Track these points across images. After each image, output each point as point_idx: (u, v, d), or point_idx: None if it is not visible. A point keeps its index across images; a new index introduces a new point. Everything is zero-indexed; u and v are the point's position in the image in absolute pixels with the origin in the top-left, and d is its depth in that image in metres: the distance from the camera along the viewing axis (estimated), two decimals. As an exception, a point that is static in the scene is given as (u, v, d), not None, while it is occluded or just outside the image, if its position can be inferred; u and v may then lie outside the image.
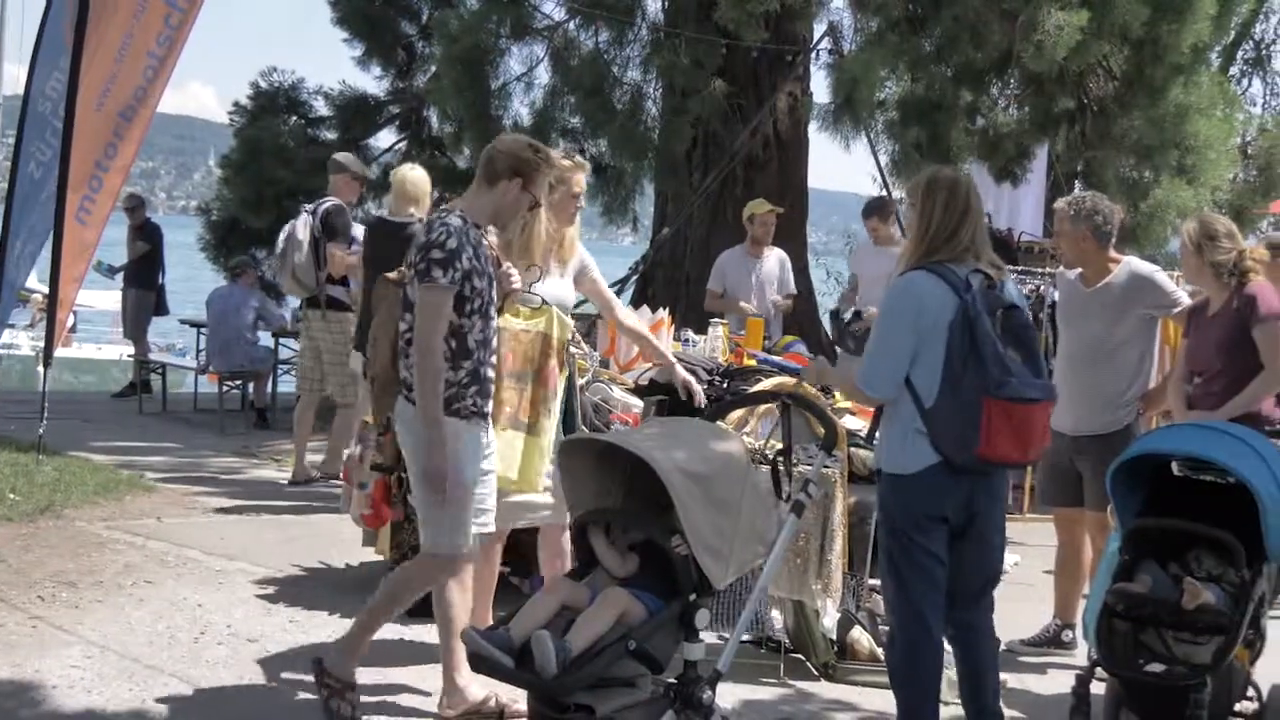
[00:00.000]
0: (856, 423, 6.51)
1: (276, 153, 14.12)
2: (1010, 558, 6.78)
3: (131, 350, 15.48)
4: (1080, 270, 6.46)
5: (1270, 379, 5.88)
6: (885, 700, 5.59)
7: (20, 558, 7.22)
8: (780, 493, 4.46)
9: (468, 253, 4.79)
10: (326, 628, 6.36)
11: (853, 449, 6.25)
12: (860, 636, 6.13)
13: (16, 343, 20.20)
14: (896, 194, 14.48)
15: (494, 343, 4.98)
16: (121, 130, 10.24)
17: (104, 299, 20.72)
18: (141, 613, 6.43)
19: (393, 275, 5.17)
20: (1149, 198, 11.06)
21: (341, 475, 7.26)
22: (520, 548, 6.06)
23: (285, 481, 9.95)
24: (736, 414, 6.14)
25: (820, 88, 13.17)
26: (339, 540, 7.80)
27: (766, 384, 6.45)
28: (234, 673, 5.68)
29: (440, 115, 14.43)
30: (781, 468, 4.57)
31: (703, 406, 5.93)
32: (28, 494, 8.56)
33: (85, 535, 7.84)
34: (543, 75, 12.68)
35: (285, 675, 5.69)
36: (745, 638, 6.03)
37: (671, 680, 4.09)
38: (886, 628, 6.28)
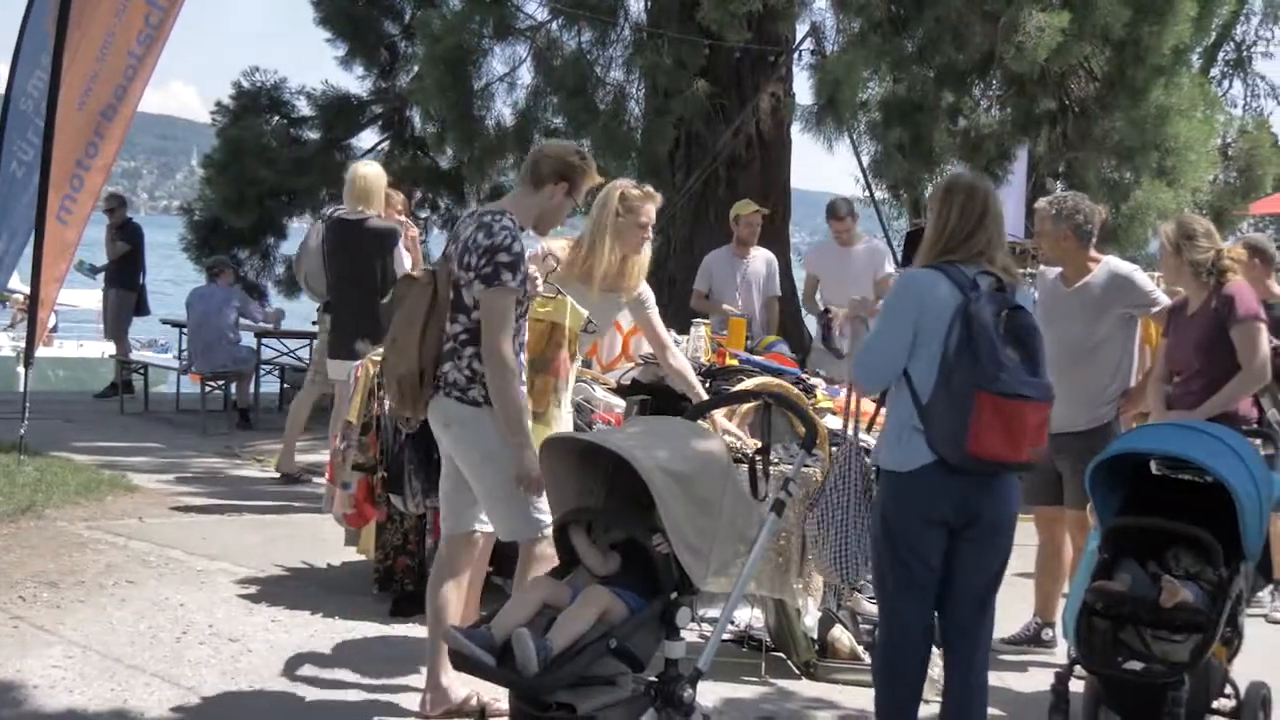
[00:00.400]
0: (837, 422, 6.52)
1: (259, 153, 14.11)
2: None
3: (113, 349, 15.43)
4: (1060, 270, 6.50)
5: (1248, 379, 5.91)
6: (866, 699, 5.60)
7: (1, 558, 7.21)
8: (757, 492, 4.47)
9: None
10: (309, 627, 6.36)
11: (834, 448, 6.26)
12: (841, 635, 6.15)
13: (-2, 343, 20.15)
14: (879, 195, 14.55)
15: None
16: (102, 129, 10.21)
17: (86, 298, 20.65)
18: (123, 613, 6.42)
19: (418, 274, 5.12)
20: (1130, 199, 11.12)
21: (326, 475, 7.26)
22: (502, 545, 6.05)
23: (270, 478, 9.94)
24: (719, 413, 6.14)
25: (803, 88, 13.22)
26: (321, 540, 7.79)
27: (748, 384, 6.46)
28: (216, 672, 5.67)
29: (423, 115, 14.43)
30: (759, 467, 4.58)
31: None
32: (9, 494, 8.53)
33: (67, 535, 7.82)
34: (525, 75, 12.71)
35: (267, 675, 5.69)
36: (726, 636, 6.05)
37: (653, 678, 4.09)
38: (868, 626, 6.33)
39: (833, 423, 6.47)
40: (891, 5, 11.06)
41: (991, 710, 4.74)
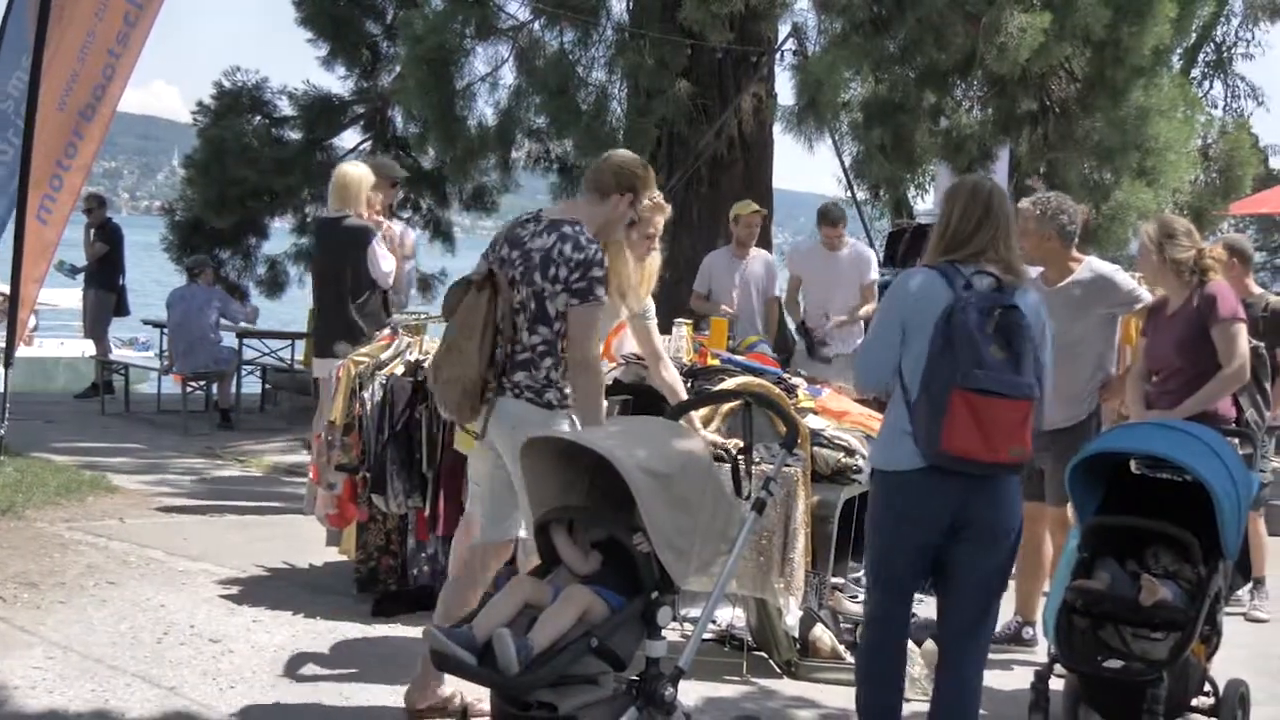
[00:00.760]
0: (819, 422, 6.54)
1: (240, 153, 14.08)
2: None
3: (93, 349, 15.38)
4: (1041, 269, 6.51)
5: (1228, 379, 5.94)
6: (847, 697, 5.62)
7: (-19, 559, 7.19)
8: (740, 491, 4.48)
9: None
10: (290, 628, 6.36)
11: (815, 448, 6.28)
12: (822, 634, 6.17)
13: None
14: (860, 195, 14.59)
15: None
16: (82, 129, 10.18)
17: (67, 298, 20.57)
18: (104, 613, 6.40)
19: (476, 279, 5.02)
20: (1110, 199, 11.14)
21: (310, 475, 7.25)
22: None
23: (252, 478, 9.92)
24: (701, 412, 6.15)
25: (785, 89, 13.22)
26: (302, 540, 7.78)
27: (730, 383, 6.47)
28: (197, 673, 5.66)
29: (405, 115, 14.45)
30: (742, 466, 4.59)
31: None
32: (-11, 495, 8.51)
33: (47, 536, 7.79)
34: (508, 75, 12.69)
35: (249, 675, 5.68)
36: (707, 636, 6.06)
37: (634, 677, 4.10)
38: (849, 626, 6.35)
39: (814, 422, 6.49)
40: (873, 6, 11.07)
41: (972, 709, 4.76)
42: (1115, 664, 4.90)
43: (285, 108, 15.04)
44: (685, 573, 4.11)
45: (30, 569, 7.06)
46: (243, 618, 6.49)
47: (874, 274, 10.08)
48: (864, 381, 4.82)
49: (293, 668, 5.80)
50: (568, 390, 4.95)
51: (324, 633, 6.31)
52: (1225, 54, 20.46)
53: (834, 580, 6.58)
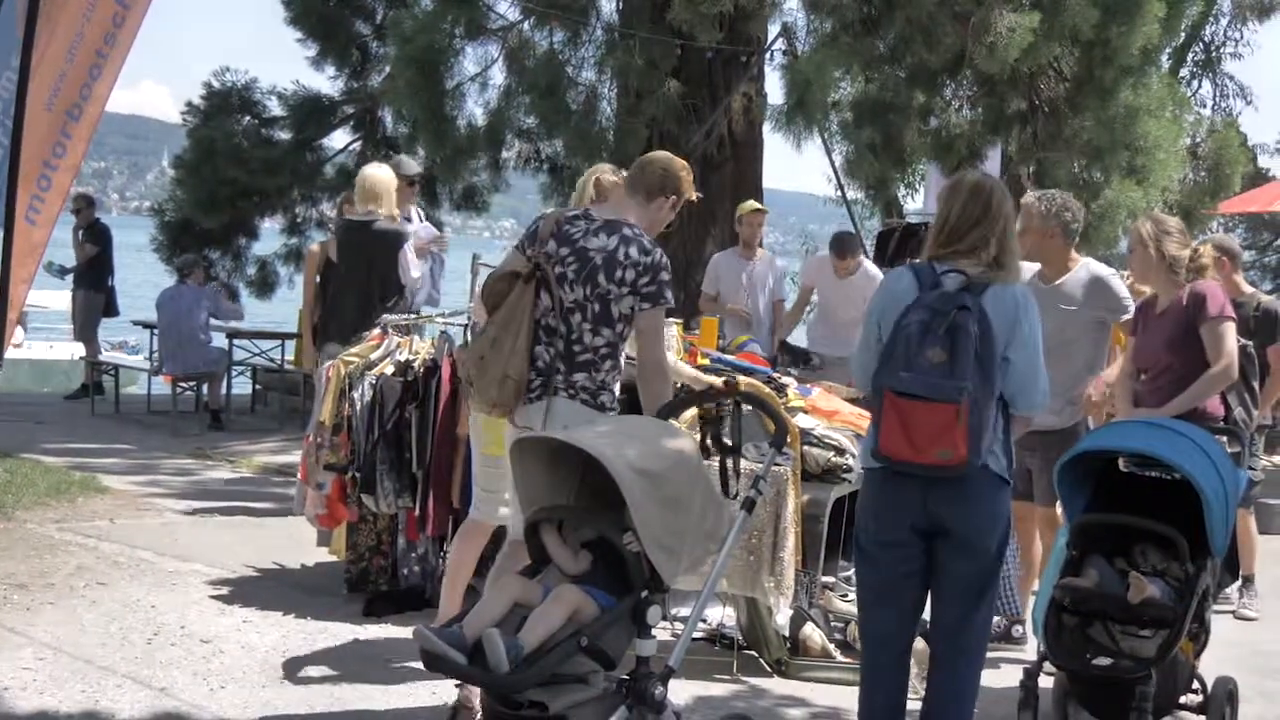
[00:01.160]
0: (809, 421, 6.56)
1: (230, 153, 14.06)
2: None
3: (83, 351, 15.35)
4: (1039, 266, 6.51)
5: (1216, 377, 5.96)
6: (838, 696, 5.66)
7: (-30, 560, 7.18)
8: (728, 490, 4.49)
9: None
10: (280, 628, 6.35)
11: (805, 447, 6.29)
12: (813, 633, 6.18)
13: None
14: (851, 194, 14.60)
15: None
16: (69, 129, 10.14)
17: (56, 300, 20.53)
18: (94, 614, 6.40)
19: (521, 270, 5.00)
20: (1099, 198, 11.16)
21: (300, 475, 7.24)
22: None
23: (242, 479, 9.91)
24: (690, 413, 6.15)
25: (775, 89, 13.24)
26: (293, 541, 7.78)
27: (719, 382, 6.47)
28: (188, 673, 5.66)
29: (395, 116, 14.42)
30: (730, 465, 4.61)
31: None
32: (-22, 496, 8.50)
33: (37, 537, 7.78)
34: (497, 76, 12.68)
35: (240, 675, 5.67)
36: (698, 635, 6.07)
37: (624, 676, 4.10)
38: (839, 624, 6.36)
39: (804, 421, 6.50)
40: (863, 6, 11.09)
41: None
42: (1104, 662, 4.91)
43: (275, 108, 15.02)
44: (675, 572, 4.11)
45: (20, 570, 7.05)
46: (233, 618, 6.49)
47: None
48: (855, 380, 4.93)
49: (283, 668, 5.81)
50: (615, 392, 4.99)
51: (315, 633, 6.31)
52: (1214, 53, 20.48)
53: (824, 579, 6.59)
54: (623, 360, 5.06)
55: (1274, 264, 26.23)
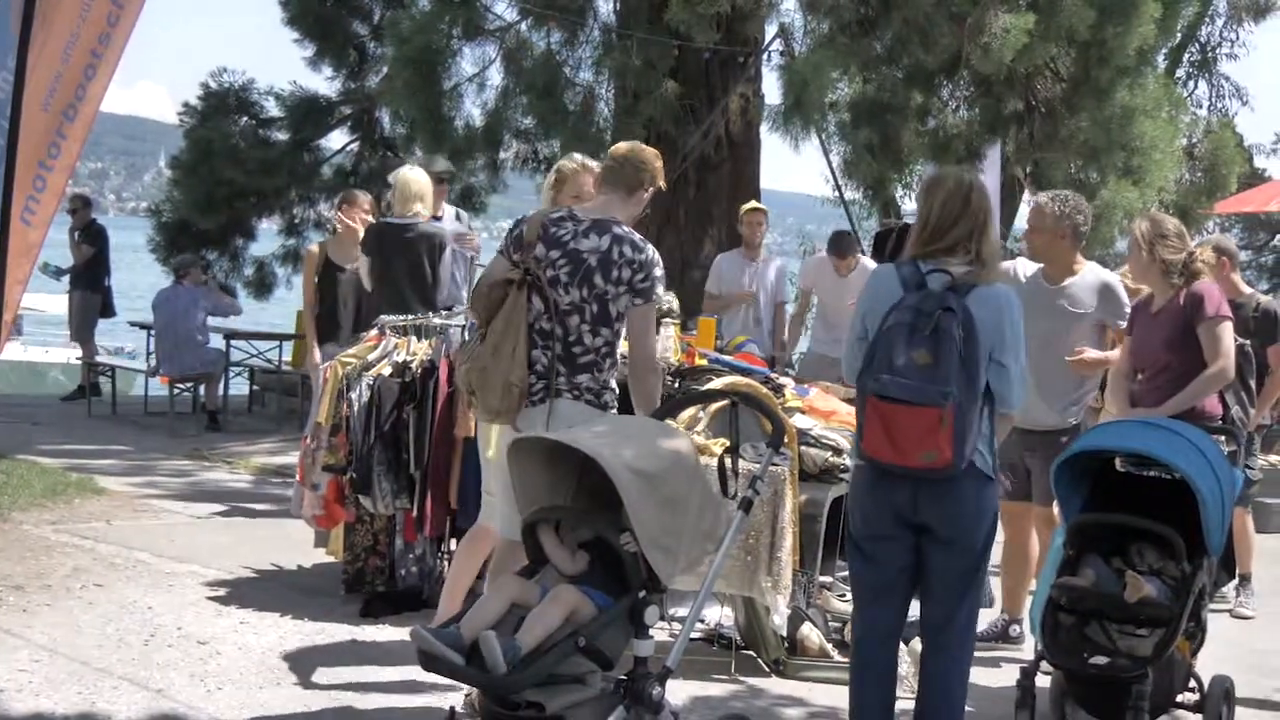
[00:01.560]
0: (806, 421, 6.56)
1: (227, 154, 14.06)
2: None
3: (79, 353, 15.34)
4: (1042, 266, 6.51)
5: (1214, 377, 5.96)
6: (835, 696, 5.65)
7: (-33, 561, 7.17)
8: (726, 490, 4.50)
9: None
10: (278, 629, 6.35)
11: (803, 447, 6.29)
12: (810, 633, 6.18)
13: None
14: (848, 195, 14.59)
15: None
16: (64, 129, 10.13)
17: (53, 303, 20.51)
18: (91, 615, 6.39)
19: (514, 276, 4.99)
20: (1096, 198, 11.16)
21: (297, 476, 7.23)
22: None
23: (239, 479, 9.90)
24: (687, 413, 6.16)
25: (772, 89, 13.23)
26: (290, 542, 7.78)
27: (716, 383, 6.48)
28: (185, 674, 5.65)
29: (392, 116, 14.41)
30: (728, 465, 4.60)
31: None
32: (-26, 498, 8.49)
33: (33, 539, 7.78)
34: (495, 76, 12.67)
35: (237, 677, 5.67)
36: (695, 635, 6.07)
37: (621, 677, 4.10)
38: (837, 624, 6.36)
39: (802, 421, 6.51)
40: (860, 7, 11.09)
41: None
42: (1101, 660, 4.92)
43: (272, 108, 15.02)
44: (672, 572, 4.12)
45: (16, 571, 7.04)
46: (230, 619, 6.49)
47: None
48: (846, 377, 4.94)
49: (280, 669, 5.80)
50: (615, 389, 5.01)
51: (312, 634, 6.31)
52: (1210, 54, 20.49)
53: (822, 579, 6.59)
54: (618, 357, 5.07)
55: (1270, 264, 26.30)
